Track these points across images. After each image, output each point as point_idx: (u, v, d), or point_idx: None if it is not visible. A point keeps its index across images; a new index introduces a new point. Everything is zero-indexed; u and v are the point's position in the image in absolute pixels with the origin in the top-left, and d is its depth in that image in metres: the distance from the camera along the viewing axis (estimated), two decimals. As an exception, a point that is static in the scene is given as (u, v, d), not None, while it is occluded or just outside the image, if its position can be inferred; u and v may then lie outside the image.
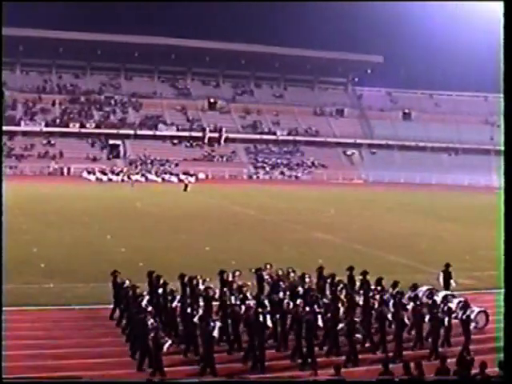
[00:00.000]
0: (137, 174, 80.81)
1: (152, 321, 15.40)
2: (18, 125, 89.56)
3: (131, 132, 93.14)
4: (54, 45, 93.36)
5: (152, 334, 15.14)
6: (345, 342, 16.33)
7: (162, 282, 18.34)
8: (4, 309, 15.95)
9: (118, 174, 79.27)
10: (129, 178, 78.64)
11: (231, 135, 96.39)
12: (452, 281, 21.06)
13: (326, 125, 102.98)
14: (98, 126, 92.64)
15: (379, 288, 18.74)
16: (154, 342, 15.07)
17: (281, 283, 19.15)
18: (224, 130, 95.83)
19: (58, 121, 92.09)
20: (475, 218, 46.34)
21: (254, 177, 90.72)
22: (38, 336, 17.18)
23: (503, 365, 9.68)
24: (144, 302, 16.80)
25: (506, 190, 9.35)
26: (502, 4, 9.58)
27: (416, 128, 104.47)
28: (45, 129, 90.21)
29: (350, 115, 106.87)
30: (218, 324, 15.78)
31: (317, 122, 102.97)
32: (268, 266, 20.68)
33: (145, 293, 17.91)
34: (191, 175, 77.53)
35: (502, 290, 10.00)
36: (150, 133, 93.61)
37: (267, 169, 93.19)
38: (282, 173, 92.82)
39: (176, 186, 70.25)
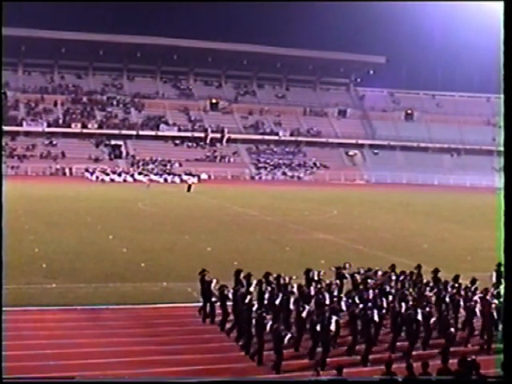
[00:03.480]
0: (140, 174, 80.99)
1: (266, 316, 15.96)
2: (20, 125, 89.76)
3: (133, 132, 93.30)
4: (57, 45, 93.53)
5: (273, 328, 15.43)
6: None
7: (255, 281, 18.95)
8: (6, 309, 15.93)
9: (119, 175, 79.41)
10: (132, 177, 79.08)
11: (233, 136, 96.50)
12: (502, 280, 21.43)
13: (328, 125, 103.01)
14: (100, 127, 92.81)
15: (456, 285, 19.43)
16: (274, 336, 15.27)
17: (369, 281, 19.68)
18: (226, 130, 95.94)
19: (60, 121, 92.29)
20: (477, 219, 46.33)
21: (256, 177, 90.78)
22: (39, 336, 17.18)
23: (504, 365, 9.67)
24: (247, 300, 17.26)
25: (505, 190, 9.35)
26: (502, 4, 9.59)
27: (418, 129, 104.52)
28: (47, 129, 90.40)
29: (352, 116, 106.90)
30: (335, 318, 16.08)
31: (319, 122, 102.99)
32: (347, 266, 21.31)
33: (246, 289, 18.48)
34: (193, 176, 77.63)
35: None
36: (152, 133, 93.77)
37: (269, 169, 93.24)
38: (284, 173, 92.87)
39: (178, 187, 70.31)
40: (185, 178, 75.71)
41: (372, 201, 62.03)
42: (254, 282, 18.90)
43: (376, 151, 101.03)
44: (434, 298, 18.55)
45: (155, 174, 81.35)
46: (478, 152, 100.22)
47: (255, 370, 15.29)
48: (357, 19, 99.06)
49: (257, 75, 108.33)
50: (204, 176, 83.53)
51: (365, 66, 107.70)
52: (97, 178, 77.44)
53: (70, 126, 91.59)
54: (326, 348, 15.59)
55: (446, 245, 34.67)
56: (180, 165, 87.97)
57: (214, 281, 18.95)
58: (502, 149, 10.06)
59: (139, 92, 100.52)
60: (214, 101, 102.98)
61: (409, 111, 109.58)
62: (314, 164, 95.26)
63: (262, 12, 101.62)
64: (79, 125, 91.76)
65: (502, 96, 9.76)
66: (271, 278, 19.27)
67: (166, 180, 79.82)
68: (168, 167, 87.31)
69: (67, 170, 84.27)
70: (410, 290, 19.34)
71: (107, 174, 78.78)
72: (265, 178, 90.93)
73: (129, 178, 78.65)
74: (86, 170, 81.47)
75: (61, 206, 47.64)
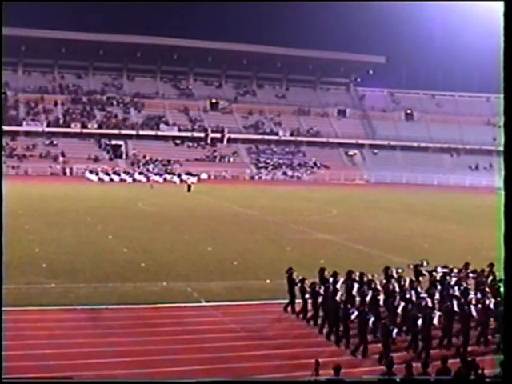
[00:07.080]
0: (140, 174, 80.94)
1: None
2: (20, 125, 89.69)
3: (133, 132, 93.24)
4: (57, 45, 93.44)
5: (380, 324, 16.29)
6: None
7: (342, 279, 19.71)
8: (6, 309, 15.94)
9: (119, 175, 79.36)
10: (132, 177, 79.03)
11: (233, 136, 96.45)
12: None
13: (327, 125, 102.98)
14: (100, 127, 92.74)
15: None
16: (383, 330, 15.95)
17: (447, 278, 20.22)
18: (226, 130, 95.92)
19: (60, 121, 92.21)
20: (477, 219, 46.35)
21: (256, 177, 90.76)
22: (39, 336, 17.18)
23: (503, 365, 9.67)
24: (337, 297, 17.91)
25: (505, 190, 9.35)
26: (502, 4, 9.59)
27: (418, 128, 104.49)
28: (47, 129, 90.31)
29: (352, 116, 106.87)
30: (438, 313, 16.74)
31: (319, 122, 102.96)
32: (425, 263, 21.80)
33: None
34: (193, 175, 77.58)
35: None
36: (152, 133, 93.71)
37: (269, 169, 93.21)
38: (284, 173, 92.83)
39: (178, 187, 70.29)
40: (185, 177, 75.65)
41: (372, 201, 62.03)
42: (341, 279, 19.61)
43: (376, 151, 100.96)
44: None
45: (155, 174, 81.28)
46: (478, 152, 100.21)
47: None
48: (357, 19, 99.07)
49: (257, 75, 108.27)
50: (204, 176, 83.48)
51: (365, 66, 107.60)
52: (97, 177, 77.39)
53: (69, 126, 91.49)
54: (427, 342, 16.14)
55: (445, 245, 34.69)
56: (180, 165, 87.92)
57: (295, 275, 19.75)
58: (502, 149, 10.04)
59: (139, 92, 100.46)
60: (214, 101, 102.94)
61: (409, 111, 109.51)
62: (314, 164, 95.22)
63: (261, 12, 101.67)
64: (79, 125, 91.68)
65: (502, 96, 9.76)
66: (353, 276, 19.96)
67: (165, 180, 79.75)
68: (168, 167, 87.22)
69: (67, 170, 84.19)
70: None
71: (107, 174, 78.73)
72: (265, 177, 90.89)
73: (129, 178, 78.59)
74: (86, 170, 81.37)
75: (61, 205, 47.62)
